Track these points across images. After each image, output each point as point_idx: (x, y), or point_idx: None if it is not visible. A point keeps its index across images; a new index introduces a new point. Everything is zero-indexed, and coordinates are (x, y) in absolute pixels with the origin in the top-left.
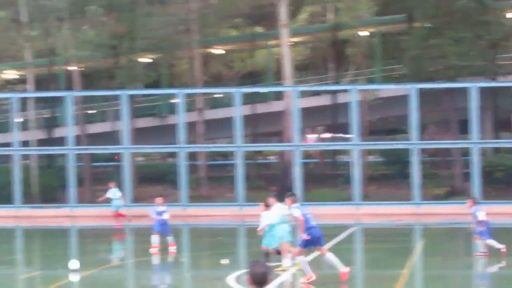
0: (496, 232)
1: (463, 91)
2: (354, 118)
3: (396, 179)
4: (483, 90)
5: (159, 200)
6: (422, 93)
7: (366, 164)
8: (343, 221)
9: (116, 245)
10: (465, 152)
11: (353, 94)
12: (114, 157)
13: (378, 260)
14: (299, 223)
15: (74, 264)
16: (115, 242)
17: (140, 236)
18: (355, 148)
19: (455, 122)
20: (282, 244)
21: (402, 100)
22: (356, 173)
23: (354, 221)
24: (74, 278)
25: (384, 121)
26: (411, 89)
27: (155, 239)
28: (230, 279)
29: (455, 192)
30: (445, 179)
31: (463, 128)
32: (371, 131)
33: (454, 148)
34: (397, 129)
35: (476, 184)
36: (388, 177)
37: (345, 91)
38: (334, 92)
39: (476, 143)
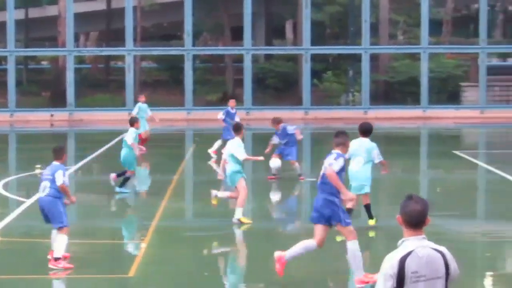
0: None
1: None
2: (129, 23)
3: (170, 85)
4: None
5: None
6: None
7: (140, 70)
8: (117, 126)
9: None
10: (239, 59)
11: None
12: None
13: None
14: None
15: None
16: None
17: None
18: (128, 53)
19: (229, 28)
20: None
21: (178, 6)
22: (130, 79)
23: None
24: None
25: (159, 27)
26: None
27: None
28: None
29: (228, 98)
30: (218, 85)
31: (237, 35)
32: (146, 37)
33: (227, 54)
34: (171, 35)
35: (248, 90)
36: (161, 83)
37: None
38: None
39: (249, 49)
